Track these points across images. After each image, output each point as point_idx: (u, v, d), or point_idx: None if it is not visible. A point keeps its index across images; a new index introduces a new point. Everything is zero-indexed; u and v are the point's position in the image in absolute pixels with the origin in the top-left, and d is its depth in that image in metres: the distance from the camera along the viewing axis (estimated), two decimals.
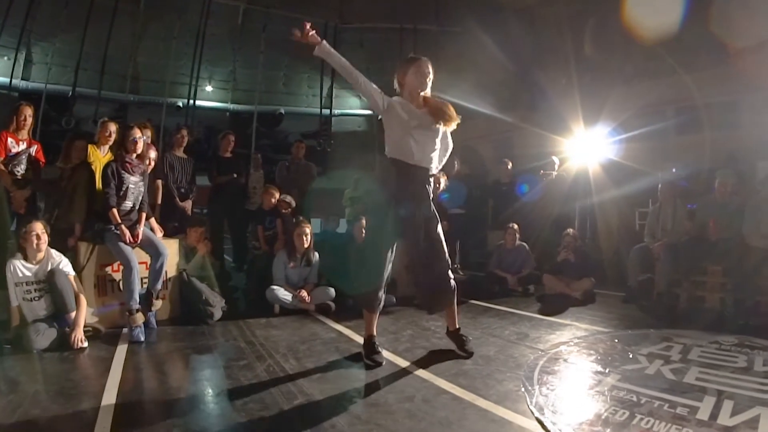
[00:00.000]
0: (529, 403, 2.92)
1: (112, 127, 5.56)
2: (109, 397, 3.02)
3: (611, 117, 8.82)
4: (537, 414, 2.75)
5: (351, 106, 16.66)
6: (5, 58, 12.74)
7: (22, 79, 13.23)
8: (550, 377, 3.40)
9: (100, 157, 5.47)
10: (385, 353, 3.98)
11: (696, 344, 4.16)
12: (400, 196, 3.75)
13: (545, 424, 2.62)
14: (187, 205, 6.74)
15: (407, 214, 3.73)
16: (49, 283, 4.24)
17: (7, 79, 12.74)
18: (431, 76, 3.83)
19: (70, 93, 13.06)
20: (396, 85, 3.92)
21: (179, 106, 14.74)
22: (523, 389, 3.16)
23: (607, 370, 3.51)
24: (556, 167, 8.41)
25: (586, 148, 8.67)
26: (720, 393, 3.04)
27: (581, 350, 4.09)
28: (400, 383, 3.33)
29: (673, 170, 7.65)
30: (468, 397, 3.04)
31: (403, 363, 3.77)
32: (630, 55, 10.27)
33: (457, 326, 4.09)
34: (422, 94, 3.81)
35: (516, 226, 7.33)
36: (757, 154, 7.66)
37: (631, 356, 3.86)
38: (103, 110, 12.61)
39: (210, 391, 3.26)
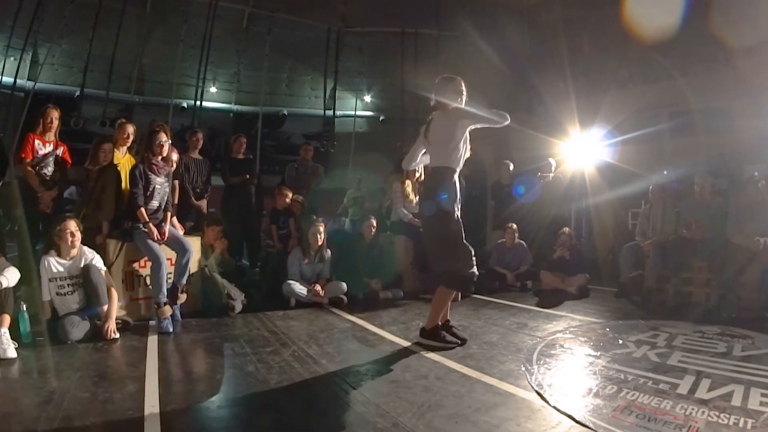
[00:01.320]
0: (529, 379, 3.32)
1: (130, 129, 5.86)
2: (152, 381, 3.31)
3: (606, 120, 9.03)
4: (536, 388, 3.14)
5: (352, 108, 16.91)
6: (11, 58, 12.92)
7: (28, 79, 13.40)
8: (547, 359, 3.80)
9: (119, 157, 5.77)
10: (398, 340, 4.40)
11: (681, 333, 4.55)
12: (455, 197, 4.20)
13: (544, 395, 3.01)
14: (203, 204, 7.05)
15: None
16: (83, 277, 4.53)
17: (13, 80, 12.89)
18: None
19: (77, 94, 13.25)
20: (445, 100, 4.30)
21: (184, 107, 14.95)
22: (523, 369, 3.56)
23: (598, 354, 3.91)
24: (553, 169, 8.68)
25: (581, 150, 8.94)
26: (699, 373, 3.42)
27: (575, 337, 4.49)
28: (414, 364, 3.74)
29: (665, 172, 7.93)
30: (475, 375, 3.44)
31: (415, 348, 4.15)
32: (625, 59, 10.52)
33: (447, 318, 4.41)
34: None
35: (515, 226, 7.68)
36: (746, 157, 7.94)
37: (620, 342, 4.26)
38: (109, 111, 12.85)
39: (244, 372, 3.58)
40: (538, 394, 3.05)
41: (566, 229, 7.46)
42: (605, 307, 5.99)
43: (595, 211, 8.89)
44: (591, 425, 2.59)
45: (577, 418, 2.67)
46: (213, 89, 15.75)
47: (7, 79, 12.63)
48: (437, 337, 4.18)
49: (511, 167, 8.77)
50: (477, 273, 4.22)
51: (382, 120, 16.39)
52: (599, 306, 6.03)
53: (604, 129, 8.92)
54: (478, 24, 13.13)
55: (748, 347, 4.10)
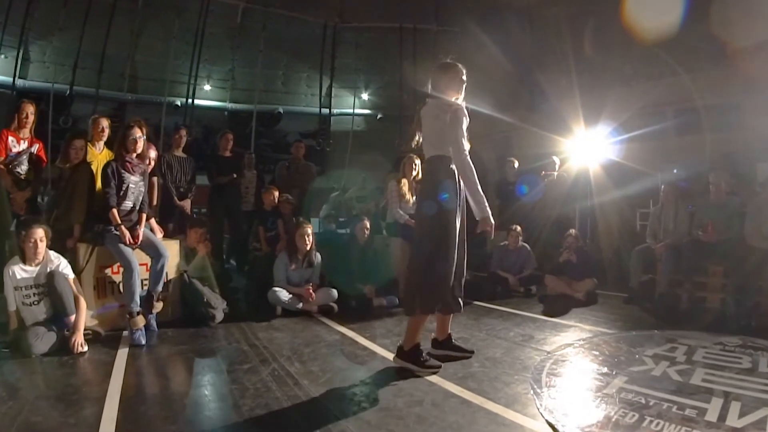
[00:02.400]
0: (538, 405, 2.92)
1: (104, 123, 5.54)
2: (112, 403, 2.97)
3: (611, 117, 8.79)
4: (547, 417, 2.74)
5: (350, 106, 16.62)
6: (2, 56, 12.66)
7: (19, 77, 13.14)
8: (557, 379, 3.40)
9: (96, 154, 5.43)
10: (390, 356, 3.95)
11: (700, 345, 4.18)
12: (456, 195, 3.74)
13: (556, 427, 2.61)
14: (186, 204, 6.71)
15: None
16: (48, 286, 4.19)
17: (5, 78, 12.66)
18: None
19: (68, 92, 12.99)
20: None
21: (177, 105, 14.67)
22: (531, 392, 3.16)
23: (614, 372, 3.51)
24: (557, 167, 8.40)
25: (586, 148, 8.66)
26: (727, 394, 3.05)
27: (587, 352, 4.10)
28: (408, 387, 3.31)
29: (674, 171, 7.65)
30: (477, 401, 3.03)
31: (412, 367, 3.73)
32: (629, 56, 10.27)
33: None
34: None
35: (519, 228, 7.33)
36: (758, 155, 7.66)
37: (636, 357, 3.87)
38: (101, 109, 12.47)
39: (215, 396, 3.23)
40: (550, 425, 2.66)
41: (573, 231, 7.10)
42: (615, 315, 5.62)
43: (600, 211, 8.56)
44: None
45: None
46: (207, 87, 15.52)
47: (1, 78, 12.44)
48: (415, 358, 3.65)
49: (516, 165, 8.48)
50: (456, 292, 3.74)
51: (380, 118, 16.14)
52: (609, 314, 5.66)
53: (609, 126, 8.69)
54: (479, 20, 12.87)
55: None
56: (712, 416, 2.74)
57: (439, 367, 3.60)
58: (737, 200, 6.07)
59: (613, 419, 2.70)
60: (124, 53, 13.92)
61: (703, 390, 3.14)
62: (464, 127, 3.67)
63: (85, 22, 12.48)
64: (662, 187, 6.69)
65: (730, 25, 8.32)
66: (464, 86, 3.85)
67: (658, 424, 2.63)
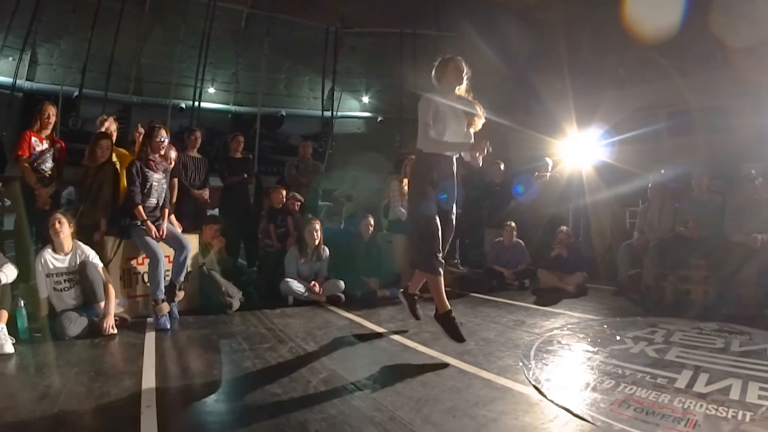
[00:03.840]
0: (526, 374, 3.32)
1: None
2: (149, 376, 3.31)
3: (604, 120, 9.04)
4: (534, 383, 3.15)
5: (351, 109, 16.90)
6: (10, 58, 12.91)
7: (27, 79, 13.39)
8: (545, 355, 3.80)
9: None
10: (395, 337, 4.41)
11: (679, 329, 4.55)
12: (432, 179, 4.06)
13: (541, 390, 3.02)
14: (205, 193, 7.05)
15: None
16: (80, 274, 4.54)
17: (12, 80, 12.89)
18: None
19: (75, 94, 13.25)
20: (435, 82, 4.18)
21: (182, 108, 14.94)
22: (521, 364, 3.56)
23: (596, 350, 3.92)
24: (550, 168, 8.69)
25: (579, 150, 8.96)
26: (697, 368, 3.42)
27: (573, 334, 4.49)
28: (412, 360, 3.75)
29: (662, 171, 7.94)
30: (472, 370, 3.44)
31: (412, 344, 4.16)
32: (623, 59, 10.52)
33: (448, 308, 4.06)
34: (457, 90, 4.11)
35: (513, 224, 7.67)
36: (743, 156, 7.94)
37: (618, 339, 4.26)
38: (108, 111, 12.75)
39: (242, 368, 3.58)
40: (536, 388, 3.06)
41: (564, 228, 7.46)
42: (603, 305, 5.98)
43: (592, 211, 8.88)
44: (589, 419, 2.59)
45: (575, 412, 2.67)
46: (211, 90, 15.74)
47: (6, 79, 12.64)
48: (445, 323, 3.97)
49: (502, 167, 8.75)
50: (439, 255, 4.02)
51: (380, 121, 16.39)
52: (597, 304, 6.03)
53: (602, 129, 8.93)
54: (477, 24, 13.11)
55: (746, 343, 4.11)
56: (681, 384, 3.11)
57: (463, 340, 3.91)
58: (719, 198, 6.43)
59: (591, 385, 3.11)
60: (131, 57, 14.17)
61: (676, 364, 3.51)
62: (430, 115, 3.96)
63: (93, 26, 12.73)
64: (649, 185, 7.03)
65: (722, 29, 8.59)
66: (464, 75, 4.11)
67: (631, 389, 3.02)
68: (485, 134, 4.22)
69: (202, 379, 3.37)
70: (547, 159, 8.70)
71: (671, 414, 2.65)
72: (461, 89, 4.14)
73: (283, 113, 16.28)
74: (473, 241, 8.98)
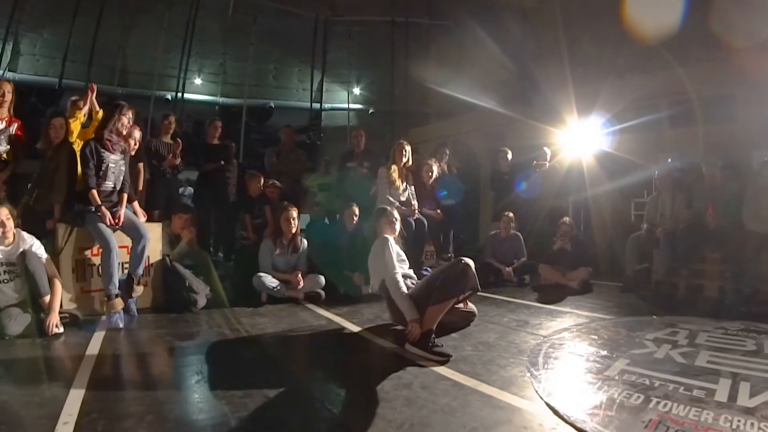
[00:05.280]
0: (536, 388, 2.73)
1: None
2: (80, 384, 2.80)
3: (605, 109, 8.69)
4: (546, 399, 2.56)
5: (341, 101, 16.47)
6: None
7: (9, 70, 12.96)
8: (555, 362, 3.22)
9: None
10: (379, 340, 3.85)
11: (702, 329, 4.03)
12: None
13: (557, 409, 2.42)
14: (176, 160, 6.63)
15: None
16: (20, 265, 4.04)
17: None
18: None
19: (57, 84, 12.85)
20: None
21: (168, 99, 14.51)
22: (528, 375, 2.97)
23: (614, 355, 3.34)
24: (548, 158, 8.26)
25: (579, 139, 8.55)
26: (734, 375, 2.90)
27: (584, 336, 3.92)
28: (396, 370, 3.09)
29: (669, 160, 7.53)
30: (470, 383, 2.84)
31: (398, 350, 3.56)
32: (623, 48, 10.18)
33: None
34: None
35: (512, 215, 7.23)
36: (753, 144, 7.59)
37: (637, 341, 3.71)
38: None
39: (189, 378, 3.03)
40: (550, 407, 2.46)
41: (567, 219, 6.98)
42: (612, 302, 5.46)
43: (593, 202, 8.45)
44: None
45: None
46: (198, 81, 15.38)
47: None
48: (424, 344, 3.44)
49: (509, 155, 8.32)
50: None
51: (371, 113, 15.97)
52: (605, 301, 5.50)
53: (603, 118, 8.57)
54: (472, 12, 12.78)
55: None
56: (721, 397, 2.57)
57: (449, 356, 3.33)
58: (734, 185, 5.96)
59: (618, 401, 2.52)
60: (115, 46, 13.79)
61: (709, 371, 2.98)
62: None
63: (75, 14, 12.35)
64: (656, 173, 6.56)
65: (724, 18, 8.27)
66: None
67: (665, 405, 2.46)
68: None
69: (138, 390, 2.82)
70: (545, 148, 8.29)
71: None
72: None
73: (272, 105, 15.86)
74: (468, 236, 8.51)
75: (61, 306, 4.19)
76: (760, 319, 4.35)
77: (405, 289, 3.76)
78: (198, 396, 2.74)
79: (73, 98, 5.66)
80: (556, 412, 2.40)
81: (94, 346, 3.62)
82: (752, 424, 2.24)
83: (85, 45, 12.78)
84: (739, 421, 2.27)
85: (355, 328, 4.27)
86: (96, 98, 5.50)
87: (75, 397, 2.59)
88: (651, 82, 9.03)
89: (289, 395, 2.73)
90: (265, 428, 2.34)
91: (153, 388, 2.89)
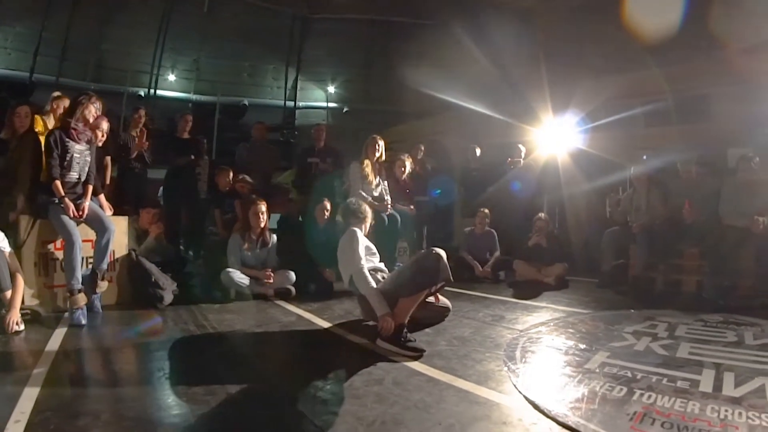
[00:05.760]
0: (514, 382, 2.62)
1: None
2: (35, 383, 2.62)
3: (580, 108, 8.72)
4: (525, 393, 2.44)
5: (316, 99, 16.33)
6: None
7: None
8: (533, 356, 3.12)
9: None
10: (350, 336, 3.72)
11: (681, 322, 3.99)
12: None
13: (537, 404, 2.30)
14: (145, 145, 6.39)
15: None
16: None
17: None
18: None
19: (28, 79, 12.57)
20: None
21: (141, 96, 14.25)
22: (506, 368, 2.86)
23: (593, 348, 3.24)
24: (522, 154, 8.21)
25: (554, 137, 8.59)
26: (718, 366, 2.84)
27: (562, 330, 3.83)
28: (367, 366, 2.95)
29: (644, 158, 7.55)
30: (445, 379, 2.71)
31: (369, 345, 3.42)
32: (601, 48, 10.27)
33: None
34: None
35: (487, 211, 7.19)
36: (728, 142, 7.65)
37: (616, 334, 3.63)
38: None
39: (149, 376, 2.88)
40: (529, 401, 2.34)
41: (542, 215, 6.92)
42: (588, 297, 5.40)
43: (569, 199, 8.44)
44: None
45: None
46: (171, 77, 15.13)
47: None
48: (396, 339, 3.32)
49: (478, 151, 8.34)
50: None
51: (346, 111, 15.85)
52: (582, 297, 5.44)
53: (578, 117, 8.59)
54: (450, 12, 12.78)
55: (759, 335, 3.60)
56: (706, 387, 2.50)
57: (423, 351, 3.21)
58: (711, 182, 6.01)
59: (600, 394, 2.42)
60: (89, 41, 13.52)
61: (692, 363, 2.91)
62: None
63: (49, 8, 12.10)
64: (632, 170, 6.54)
65: (702, 21, 8.36)
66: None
67: (650, 396, 2.37)
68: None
69: (96, 389, 2.66)
70: (520, 145, 8.25)
71: (709, 428, 2.04)
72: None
73: (246, 102, 15.67)
74: (443, 235, 8.42)
75: (23, 302, 3.98)
76: (739, 312, 4.32)
77: (373, 283, 3.62)
78: (158, 394, 2.57)
79: (56, 94, 5.52)
80: (536, 407, 2.29)
81: (53, 344, 3.43)
82: (740, 413, 2.17)
83: (59, 39, 12.56)
84: (726, 410, 2.20)
85: (326, 324, 4.13)
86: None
87: (29, 395, 2.43)
88: (628, 81, 9.11)
89: (255, 393, 2.59)
90: (227, 427, 2.20)
91: (112, 385, 2.73)
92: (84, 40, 13.29)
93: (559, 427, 2.09)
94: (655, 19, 9.14)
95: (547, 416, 2.19)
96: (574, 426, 2.07)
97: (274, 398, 2.53)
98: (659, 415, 2.15)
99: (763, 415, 2.14)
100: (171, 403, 2.41)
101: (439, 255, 3.49)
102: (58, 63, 12.71)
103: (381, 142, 6.22)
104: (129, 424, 2.16)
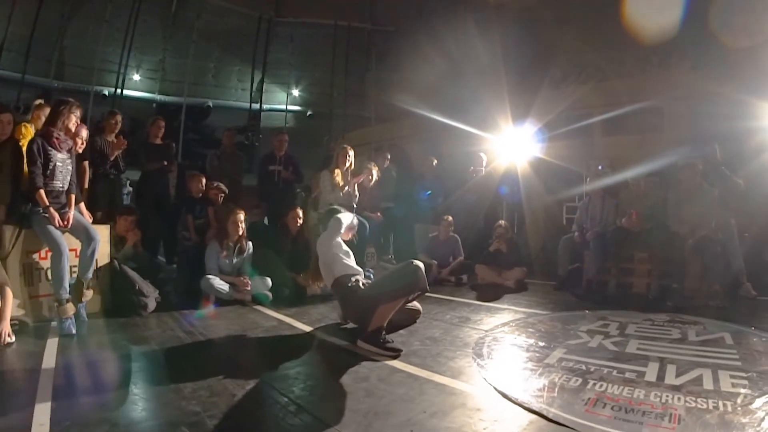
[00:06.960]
0: (484, 376, 2.96)
1: None
2: (45, 392, 2.75)
3: (539, 118, 9.02)
4: (494, 385, 2.79)
5: (280, 101, 16.41)
6: None
7: None
8: (499, 353, 3.47)
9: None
10: (331, 339, 3.98)
11: (631, 321, 4.37)
12: None
13: (505, 393, 2.66)
14: (123, 144, 6.38)
15: None
16: None
17: None
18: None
19: None
20: None
21: (105, 95, 14.07)
22: (475, 365, 3.20)
23: (552, 345, 3.61)
24: (484, 163, 8.54)
25: (514, 146, 8.86)
26: (662, 359, 3.22)
27: (523, 330, 4.18)
28: (352, 365, 3.24)
29: (600, 167, 7.93)
30: (423, 374, 3.03)
31: (350, 347, 3.71)
32: (560, 59, 10.60)
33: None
34: None
35: (450, 219, 7.47)
36: (678, 153, 8.08)
37: (572, 333, 4.00)
38: (25, 95, 11.83)
39: (153, 380, 3.05)
40: (498, 391, 2.70)
41: (502, 222, 7.26)
42: (546, 299, 5.77)
43: (527, 206, 8.78)
44: (566, 423, 2.28)
45: (550, 416, 2.35)
46: (136, 77, 14.96)
47: None
48: (375, 340, 3.62)
49: (434, 162, 8.66)
50: None
51: (310, 115, 16.00)
52: (540, 299, 5.80)
53: (537, 126, 8.90)
54: (413, 19, 13.00)
55: (701, 332, 4.00)
56: (651, 377, 2.89)
57: (400, 351, 3.50)
58: (659, 192, 6.41)
59: (558, 384, 2.79)
60: (53, 37, 13.25)
61: (639, 357, 3.30)
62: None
63: (14, 3, 11.86)
64: (587, 180, 6.92)
65: (659, 36, 8.80)
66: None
67: (602, 385, 2.75)
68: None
69: (107, 394, 2.84)
70: (482, 154, 8.56)
71: (652, 410, 2.43)
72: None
73: (210, 104, 15.64)
74: (406, 239, 8.68)
75: None
76: (684, 312, 4.73)
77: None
78: (165, 397, 2.73)
79: (38, 102, 5.45)
80: (504, 396, 2.64)
81: (50, 354, 3.51)
82: (679, 398, 2.56)
83: (23, 34, 12.27)
84: (667, 396, 2.59)
85: (307, 328, 4.35)
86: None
87: (42, 408, 2.52)
88: (586, 92, 9.47)
89: (255, 394, 2.81)
90: (240, 426, 2.41)
91: (118, 391, 2.86)
92: (48, 35, 13.06)
93: (525, 412, 2.44)
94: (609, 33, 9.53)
95: (515, 403, 2.55)
96: (537, 410, 2.43)
97: (268, 397, 2.76)
98: (609, 400, 2.53)
99: (699, 399, 2.53)
100: (182, 405, 2.58)
101: (417, 266, 3.81)
102: (22, 59, 12.45)
103: (351, 153, 6.45)
104: (147, 427, 2.37)
